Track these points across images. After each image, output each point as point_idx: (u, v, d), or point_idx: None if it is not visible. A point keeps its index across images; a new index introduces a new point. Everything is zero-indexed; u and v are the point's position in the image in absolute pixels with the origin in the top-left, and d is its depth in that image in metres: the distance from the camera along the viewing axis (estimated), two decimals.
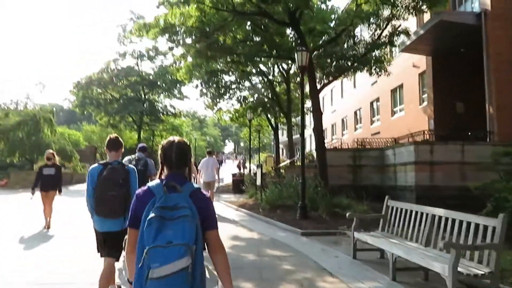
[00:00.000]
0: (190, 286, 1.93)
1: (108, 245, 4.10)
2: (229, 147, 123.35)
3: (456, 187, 12.42)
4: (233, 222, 10.67)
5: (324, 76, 14.81)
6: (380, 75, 14.87)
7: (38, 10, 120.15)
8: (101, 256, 4.19)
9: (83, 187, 23.39)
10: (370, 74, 14.50)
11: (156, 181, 2.18)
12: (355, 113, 32.56)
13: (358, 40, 14.24)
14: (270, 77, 27.95)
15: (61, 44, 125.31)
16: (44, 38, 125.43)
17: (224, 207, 14.36)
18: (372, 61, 14.20)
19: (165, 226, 1.94)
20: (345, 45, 14.36)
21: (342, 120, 36.42)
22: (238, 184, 19.83)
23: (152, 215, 1.95)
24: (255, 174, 20.46)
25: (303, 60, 10.83)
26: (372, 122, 28.47)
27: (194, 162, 12.97)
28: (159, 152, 2.27)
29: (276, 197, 12.11)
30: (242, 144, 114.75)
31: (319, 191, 11.38)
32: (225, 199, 17.08)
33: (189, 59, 18.19)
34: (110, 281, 4.18)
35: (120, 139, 4.32)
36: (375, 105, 27.99)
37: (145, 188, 2.17)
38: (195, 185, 2.20)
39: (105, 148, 4.23)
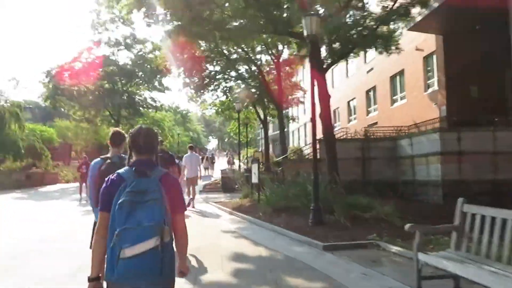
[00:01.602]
0: (160, 265, 2.04)
1: None
2: (212, 143, 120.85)
3: (488, 180, 10.63)
4: (229, 232, 8.55)
5: (329, 55, 12.75)
6: (391, 53, 12.89)
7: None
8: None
9: (54, 188, 21.00)
10: (383, 51, 12.49)
11: (126, 167, 2.26)
12: (348, 103, 30.76)
13: (367, 12, 12.22)
14: (259, 64, 25.81)
15: (34, 37, 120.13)
16: (14, 30, 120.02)
17: (214, 210, 12.21)
18: (384, 36, 12.21)
19: (136, 209, 2.04)
20: (353, 18, 12.33)
21: (334, 111, 34.52)
22: (228, 182, 17.67)
23: (123, 199, 2.06)
24: (247, 170, 18.35)
25: (312, 27, 8.77)
26: (368, 112, 26.66)
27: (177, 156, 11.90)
28: (128, 139, 2.38)
29: (279, 197, 10.04)
30: (226, 139, 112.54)
31: (332, 190, 9.35)
32: (214, 199, 14.93)
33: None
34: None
35: (122, 133, 4.29)
36: (371, 94, 26.15)
37: (115, 174, 2.23)
38: (163, 170, 2.29)
39: (108, 142, 4.31)
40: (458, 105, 15.19)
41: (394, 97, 22.88)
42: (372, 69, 25.25)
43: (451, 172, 10.61)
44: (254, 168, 12.14)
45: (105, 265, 2.10)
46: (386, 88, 23.53)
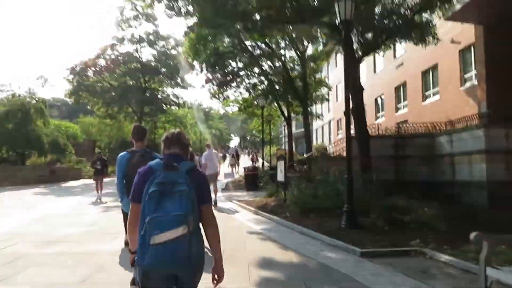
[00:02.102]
0: (188, 253, 2.16)
1: None
2: (234, 141, 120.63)
3: None
4: (255, 233, 7.91)
5: (360, 47, 11.93)
6: (427, 44, 11.96)
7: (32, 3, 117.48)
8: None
9: (76, 183, 20.87)
10: (419, 42, 11.57)
11: (157, 160, 2.45)
12: (376, 100, 29.64)
13: None
14: (283, 60, 25.08)
15: (60, 36, 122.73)
16: (41, 30, 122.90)
17: (238, 209, 11.60)
18: (420, 26, 11.30)
19: (164, 200, 2.17)
20: (389, 5, 11.46)
21: None
22: (253, 180, 17.04)
23: (152, 189, 2.20)
24: (271, 168, 17.69)
25: (346, 13, 8.02)
26: (397, 109, 25.54)
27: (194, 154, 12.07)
28: (163, 138, 2.56)
29: (307, 197, 9.33)
30: (248, 137, 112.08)
31: (367, 190, 8.59)
32: (238, 197, 14.32)
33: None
34: None
35: (143, 127, 4.67)
36: (401, 89, 25.02)
37: (146, 166, 2.40)
38: (191, 164, 2.44)
39: (132, 137, 4.51)
40: (500, 100, 14.10)
41: (426, 93, 21.75)
42: (402, 64, 24.15)
43: (498, 173, 9.67)
44: (280, 165, 11.45)
45: (137, 252, 2.25)
46: (417, 84, 22.42)
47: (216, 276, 2.39)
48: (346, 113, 8.08)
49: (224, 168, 32.29)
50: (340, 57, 39.71)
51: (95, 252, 6.26)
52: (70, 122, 43.21)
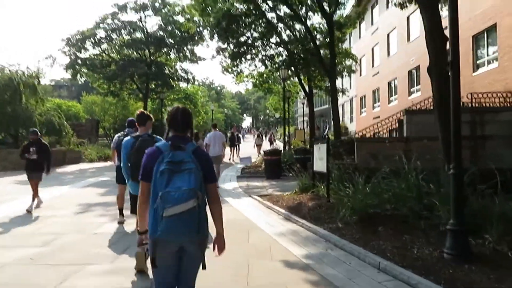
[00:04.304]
0: (197, 224, 2.36)
1: None
2: (247, 121, 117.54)
3: None
4: (296, 267, 4.77)
5: None
6: None
7: None
8: (131, 212, 5.30)
9: (73, 169, 18.03)
10: None
11: (164, 141, 2.63)
12: (409, 73, 26.04)
13: None
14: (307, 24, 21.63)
15: (62, 10, 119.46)
16: (46, 10, 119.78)
17: (260, 208, 8.55)
18: None
19: (174, 177, 2.34)
20: None
21: (389, 84, 29.89)
22: (275, 166, 13.92)
23: (163, 167, 2.36)
24: (299, 151, 14.54)
25: None
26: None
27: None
28: (166, 117, 2.69)
29: (370, 198, 6.19)
30: (261, 117, 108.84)
31: (473, 190, 5.43)
32: (257, 190, 11.30)
33: None
34: None
35: (146, 113, 4.94)
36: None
37: (154, 147, 2.54)
38: (195, 144, 2.59)
39: (136, 123, 4.92)
40: None
41: (479, 61, 18.20)
42: (445, 27, 20.51)
43: None
44: (320, 150, 8.30)
45: (149, 225, 2.40)
46: (466, 50, 18.75)
47: (217, 247, 2.66)
48: (453, 64, 4.86)
49: (246, 149, 29.58)
50: (364, 27, 36.05)
51: None
52: (79, 102, 40.48)
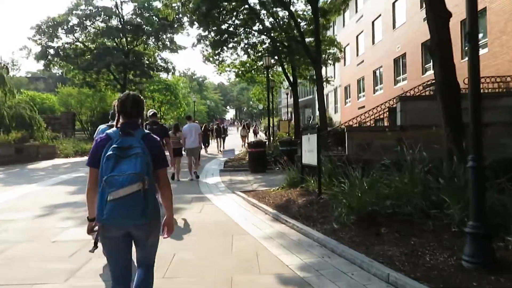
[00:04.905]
0: (142, 208, 2.34)
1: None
2: (230, 113, 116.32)
3: None
4: (286, 281, 3.98)
5: None
6: None
7: None
8: None
9: (46, 164, 16.74)
10: None
11: (113, 128, 2.58)
12: (395, 61, 25.50)
13: None
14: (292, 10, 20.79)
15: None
16: None
17: (245, 207, 7.76)
18: None
19: (121, 162, 2.36)
20: None
21: (374, 72, 29.34)
22: (259, 159, 13.13)
23: (110, 152, 2.38)
24: (284, 142, 13.78)
25: None
26: (424, 70, 21.47)
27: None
28: (116, 103, 2.66)
29: (368, 195, 5.44)
30: (244, 109, 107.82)
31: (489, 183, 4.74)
32: (241, 185, 10.51)
33: None
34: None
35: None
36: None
37: (103, 134, 2.57)
38: (145, 130, 2.62)
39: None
40: None
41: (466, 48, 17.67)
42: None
43: None
44: (309, 141, 7.52)
45: (96, 209, 2.42)
46: (454, 35, 18.22)
47: (166, 228, 2.65)
48: (471, 38, 4.11)
49: (229, 141, 28.99)
50: (348, 15, 35.37)
51: None
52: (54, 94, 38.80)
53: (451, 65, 6.15)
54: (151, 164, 2.42)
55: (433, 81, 16.93)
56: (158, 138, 2.72)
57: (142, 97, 2.74)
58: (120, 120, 2.59)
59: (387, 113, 12.39)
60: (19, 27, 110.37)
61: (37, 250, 5.23)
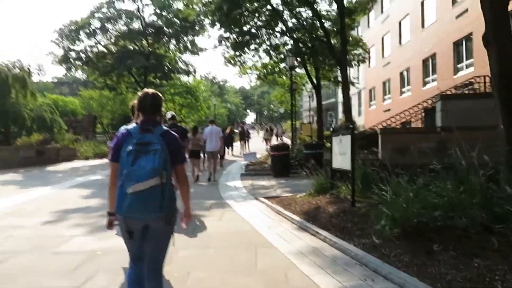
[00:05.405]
0: (160, 201, 2.43)
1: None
2: (251, 116, 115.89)
3: None
4: None
5: None
6: None
7: None
8: None
9: (65, 167, 16.47)
10: None
11: (134, 124, 2.69)
12: (424, 61, 24.37)
13: None
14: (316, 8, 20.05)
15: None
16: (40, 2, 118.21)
17: (269, 215, 7.05)
18: None
19: (140, 157, 2.44)
20: None
21: (401, 74, 28.24)
22: (283, 163, 12.42)
23: (130, 147, 2.47)
24: (309, 145, 13.05)
25: None
26: (456, 70, 20.33)
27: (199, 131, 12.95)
28: (136, 101, 2.76)
29: (415, 205, 4.65)
30: (265, 113, 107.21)
31: None
32: (264, 191, 9.83)
33: None
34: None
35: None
36: (463, 45, 19.74)
37: (124, 130, 2.68)
38: (164, 127, 2.70)
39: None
40: None
41: None
42: (466, 10, 18.86)
43: None
44: (343, 143, 6.77)
45: (116, 203, 2.51)
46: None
47: (184, 220, 2.75)
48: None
49: (253, 144, 28.73)
50: (373, 16, 34.35)
51: None
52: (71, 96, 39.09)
53: (510, 55, 5.31)
54: (169, 160, 2.50)
55: (468, 81, 15.94)
56: (177, 135, 2.76)
57: (160, 95, 2.80)
58: (140, 117, 2.67)
59: (421, 114, 11.56)
60: (46, 32, 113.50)
61: (36, 262, 4.66)
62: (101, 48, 25.99)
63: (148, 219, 2.48)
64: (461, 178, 4.71)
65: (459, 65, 20.22)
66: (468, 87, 13.29)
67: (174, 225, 2.63)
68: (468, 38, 18.93)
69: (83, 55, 25.33)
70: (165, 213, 2.48)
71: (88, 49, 25.02)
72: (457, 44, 20.24)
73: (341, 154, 6.86)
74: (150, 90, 2.79)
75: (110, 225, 2.74)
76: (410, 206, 4.64)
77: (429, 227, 4.52)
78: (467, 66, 19.32)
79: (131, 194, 2.38)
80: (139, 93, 2.78)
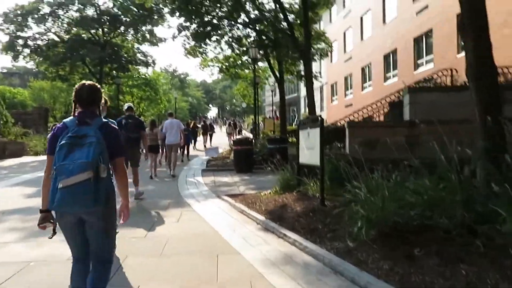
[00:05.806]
0: (93, 197, 2.32)
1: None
2: (213, 111, 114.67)
3: None
4: None
5: None
6: None
7: None
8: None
9: (11, 162, 14.60)
10: None
11: (71, 117, 2.59)
12: (385, 57, 24.60)
13: None
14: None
15: None
16: None
17: (232, 215, 6.50)
18: None
19: (74, 151, 2.36)
20: None
21: (362, 69, 28.44)
22: (246, 158, 11.90)
23: (63, 141, 2.39)
24: (272, 140, 12.62)
25: None
26: (416, 66, 20.59)
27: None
28: (73, 93, 2.64)
29: (392, 204, 4.25)
30: (227, 107, 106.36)
31: None
32: (227, 188, 9.27)
33: None
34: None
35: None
36: (423, 41, 19.98)
37: (61, 123, 2.57)
38: (104, 120, 2.63)
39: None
40: None
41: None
42: (426, 6, 19.07)
43: None
44: (311, 136, 6.32)
45: (49, 195, 2.39)
46: (452, 30, 17.37)
47: (122, 215, 2.64)
48: None
49: (215, 139, 28.36)
50: (335, 11, 34.44)
51: None
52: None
53: (488, 41, 5.03)
54: (106, 153, 2.44)
55: (430, 76, 16.07)
56: (118, 128, 2.72)
57: (98, 86, 2.75)
58: (78, 109, 2.61)
59: (384, 109, 11.40)
60: None
61: None
62: (52, 36, 24.24)
63: (79, 212, 2.41)
64: (441, 174, 4.35)
65: (419, 61, 20.49)
66: (430, 82, 13.30)
67: (113, 220, 2.60)
68: (428, 34, 19.16)
69: (31, 43, 23.48)
70: (100, 206, 2.38)
71: (38, 36, 23.18)
72: (417, 40, 20.48)
73: (309, 148, 6.42)
74: (88, 82, 2.72)
75: (41, 223, 2.56)
76: (387, 205, 4.24)
77: (408, 228, 4.14)
78: (427, 62, 19.59)
79: (62, 189, 2.29)
80: (76, 85, 2.69)
